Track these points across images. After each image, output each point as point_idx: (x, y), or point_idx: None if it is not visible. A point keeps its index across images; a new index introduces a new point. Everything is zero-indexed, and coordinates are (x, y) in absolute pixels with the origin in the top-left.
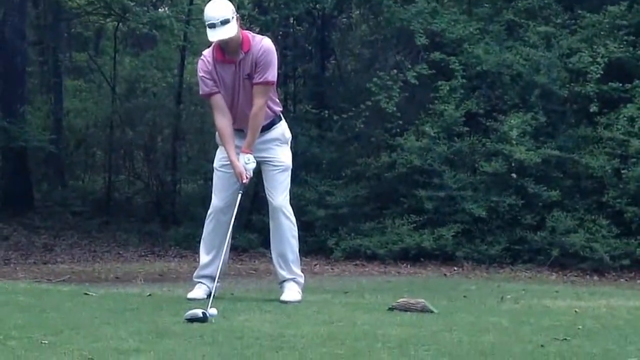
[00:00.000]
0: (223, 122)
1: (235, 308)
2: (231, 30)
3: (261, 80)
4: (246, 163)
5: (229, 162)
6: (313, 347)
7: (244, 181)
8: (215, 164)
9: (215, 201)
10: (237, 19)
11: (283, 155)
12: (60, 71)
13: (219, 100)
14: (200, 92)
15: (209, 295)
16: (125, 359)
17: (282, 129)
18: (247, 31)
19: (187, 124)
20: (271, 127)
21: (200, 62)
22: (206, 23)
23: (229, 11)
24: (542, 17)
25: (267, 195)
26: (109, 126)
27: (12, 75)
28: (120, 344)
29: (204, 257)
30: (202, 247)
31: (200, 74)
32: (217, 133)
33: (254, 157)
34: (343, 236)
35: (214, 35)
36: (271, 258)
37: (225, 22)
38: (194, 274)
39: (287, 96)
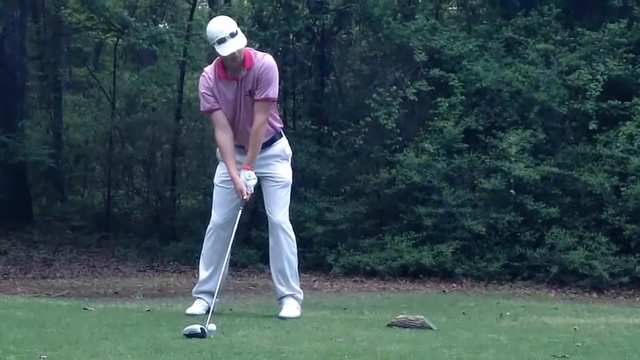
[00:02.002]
0: (224, 138)
1: (234, 324)
2: (242, 41)
3: (262, 97)
4: (247, 179)
5: (229, 178)
6: None
7: (245, 197)
8: (216, 180)
9: (215, 217)
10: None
11: (283, 171)
12: (60, 86)
13: (219, 117)
14: (201, 109)
15: (208, 311)
16: None
17: (283, 145)
18: (248, 48)
19: (186, 139)
20: (272, 143)
21: (201, 78)
22: (215, 40)
23: (234, 24)
24: (541, 34)
25: (267, 211)
26: (109, 141)
27: (11, 90)
28: (119, 359)
29: (203, 273)
30: (202, 262)
31: (202, 90)
32: (217, 149)
33: (255, 172)
34: (342, 252)
35: (226, 49)
36: (270, 274)
37: (234, 34)
38: (193, 290)
39: (287, 112)
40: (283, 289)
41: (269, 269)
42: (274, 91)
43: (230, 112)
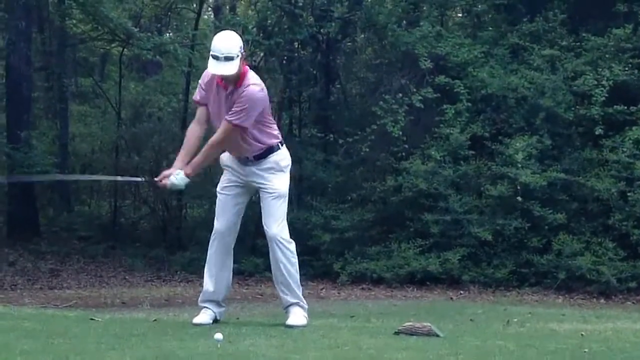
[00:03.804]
0: (193, 128)
1: (240, 332)
2: (231, 69)
3: (227, 118)
4: (175, 175)
5: (230, 184)
6: None
7: (158, 180)
8: (218, 188)
9: (217, 225)
10: (241, 58)
11: (278, 183)
12: (65, 96)
13: (201, 112)
14: (194, 97)
15: (215, 320)
16: None
17: (278, 158)
18: (250, 70)
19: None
20: (266, 155)
21: (206, 71)
22: (211, 53)
23: (236, 48)
24: (546, 40)
25: (264, 225)
26: (115, 151)
27: (17, 100)
28: None
29: (208, 282)
30: (207, 271)
31: (201, 81)
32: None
33: (251, 181)
34: (349, 260)
35: (214, 68)
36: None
37: (228, 58)
38: (199, 299)
39: (293, 120)
40: (288, 298)
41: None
42: (240, 120)
43: (215, 117)
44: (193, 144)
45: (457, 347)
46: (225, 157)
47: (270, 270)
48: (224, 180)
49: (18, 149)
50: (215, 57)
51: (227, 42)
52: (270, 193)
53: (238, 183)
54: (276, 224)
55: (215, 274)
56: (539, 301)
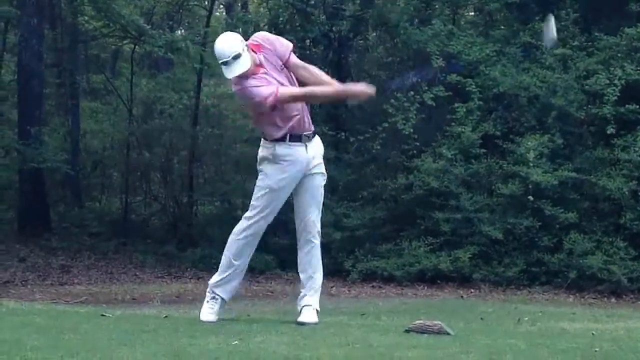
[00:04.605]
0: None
1: (251, 329)
2: (245, 64)
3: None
4: None
5: (285, 184)
6: None
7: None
8: (273, 184)
9: (263, 223)
10: (248, 49)
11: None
12: (77, 93)
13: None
14: (268, 96)
15: (225, 316)
16: None
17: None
18: (258, 67)
19: (203, 145)
20: (314, 135)
21: (234, 80)
22: (219, 62)
23: (238, 44)
24: (559, 39)
25: (308, 216)
26: (126, 148)
27: (29, 97)
28: None
29: (226, 272)
30: (229, 261)
31: (252, 85)
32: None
33: (311, 168)
34: (360, 258)
35: (229, 72)
36: (291, 280)
37: (237, 56)
38: (212, 282)
39: None
40: (311, 300)
41: (287, 275)
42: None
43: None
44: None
45: (467, 346)
46: (295, 152)
47: (281, 268)
48: (282, 179)
49: (29, 145)
50: (225, 63)
51: (228, 42)
52: (324, 178)
53: (297, 178)
54: (319, 215)
55: (236, 266)
56: (549, 300)
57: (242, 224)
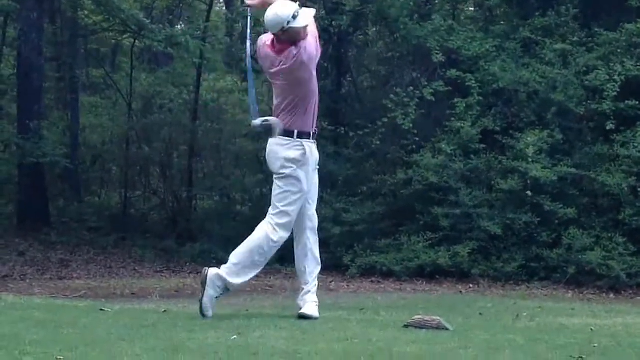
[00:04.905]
0: None
1: (250, 324)
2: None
3: None
4: None
5: (311, 184)
6: None
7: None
8: (305, 186)
9: (291, 227)
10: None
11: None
12: (76, 87)
13: None
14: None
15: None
16: None
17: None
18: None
19: (203, 140)
20: None
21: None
22: (291, 15)
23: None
24: (558, 35)
25: (312, 209)
26: (125, 142)
27: (28, 91)
28: None
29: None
30: (262, 264)
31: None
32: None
33: (315, 168)
34: (359, 253)
35: (305, 19)
36: (289, 273)
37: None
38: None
39: None
40: (314, 296)
41: (286, 270)
42: None
43: None
44: None
45: (466, 341)
46: (314, 150)
47: (280, 263)
48: (311, 178)
49: (28, 139)
50: (294, 16)
51: (282, 5)
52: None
53: (307, 179)
54: None
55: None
56: (548, 295)
57: (279, 234)
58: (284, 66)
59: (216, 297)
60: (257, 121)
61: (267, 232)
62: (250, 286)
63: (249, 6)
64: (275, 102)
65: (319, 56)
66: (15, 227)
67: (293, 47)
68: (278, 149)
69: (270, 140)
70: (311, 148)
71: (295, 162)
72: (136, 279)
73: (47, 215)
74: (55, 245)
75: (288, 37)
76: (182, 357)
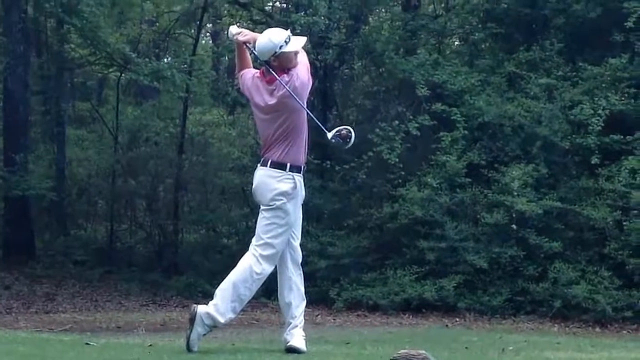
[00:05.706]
0: None
1: (236, 359)
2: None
3: None
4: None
5: (297, 217)
6: None
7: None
8: (292, 220)
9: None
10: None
11: None
12: (63, 120)
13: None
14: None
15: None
16: None
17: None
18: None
19: (189, 174)
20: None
21: None
22: (282, 43)
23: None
24: (543, 69)
25: (297, 243)
26: (111, 175)
27: (14, 124)
28: None
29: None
30: (247, 298)
31: None
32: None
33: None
34: (345, 286)
35: (296, 44)
36: (273, 307)
37: (289, 36)
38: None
39: None
40: (297, 322)
41: (272, 303)
42: None
43: None
44: None
45: None
46: (301, 183)
47: (266, 296)
48: (297, 211)
49: (14, 172)
50: (286, 41)
51: (274, 31)
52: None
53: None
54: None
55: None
56: (534, 329)
57: (262, 266)
58: (277, 94)
59: (203, 334)
60: (330, 134)
61: (251, 264)
62: (236, 320)
63: (245, 42)
64: (264, 134)
65: (310, 85)
66: (0, 260)
67: (285, 75)
68: (270, 181)
69: (260, 172)
70: (300, 182)
71: (286, 195)
72: (122, 312)
73: (32, 249)
74: (40, 279)
75: (279, 63)
76: None
